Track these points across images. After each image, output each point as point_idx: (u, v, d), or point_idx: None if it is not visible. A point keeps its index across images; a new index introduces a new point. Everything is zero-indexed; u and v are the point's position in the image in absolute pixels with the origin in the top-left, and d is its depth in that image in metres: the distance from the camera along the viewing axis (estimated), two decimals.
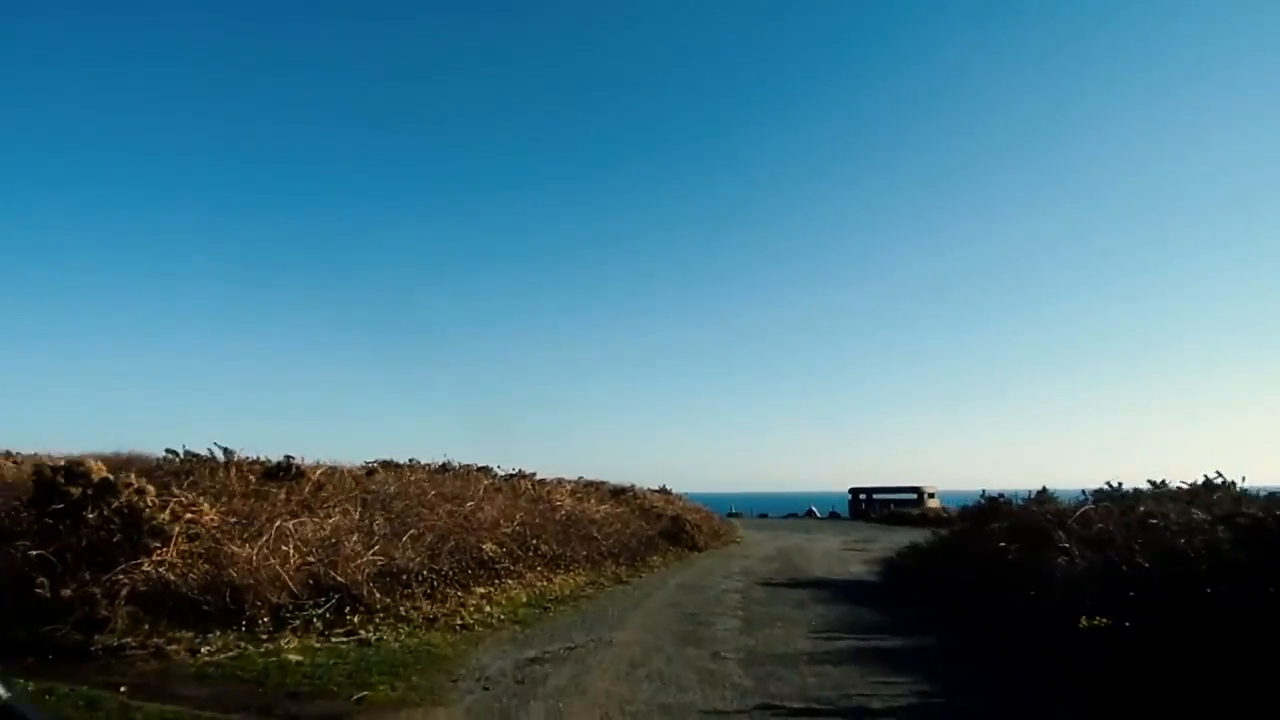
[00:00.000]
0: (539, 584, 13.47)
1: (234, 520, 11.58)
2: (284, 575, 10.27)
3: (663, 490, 30.03)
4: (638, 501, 24.51)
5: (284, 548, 10.99)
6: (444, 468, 22.52)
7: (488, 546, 13.96)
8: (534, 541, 15.07)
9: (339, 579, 10.51)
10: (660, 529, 22.61)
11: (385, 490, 15.09)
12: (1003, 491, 15.75)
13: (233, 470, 13.33)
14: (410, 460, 22.77)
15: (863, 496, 57.30)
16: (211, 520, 11.10)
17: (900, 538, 31.95)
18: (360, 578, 10.79)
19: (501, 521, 15.47)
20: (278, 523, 11.56)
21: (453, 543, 13.26)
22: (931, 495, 54.69)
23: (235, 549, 10.57)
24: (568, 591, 13.43)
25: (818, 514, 55.21)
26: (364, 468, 17.19)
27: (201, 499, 11.46)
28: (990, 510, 15.00)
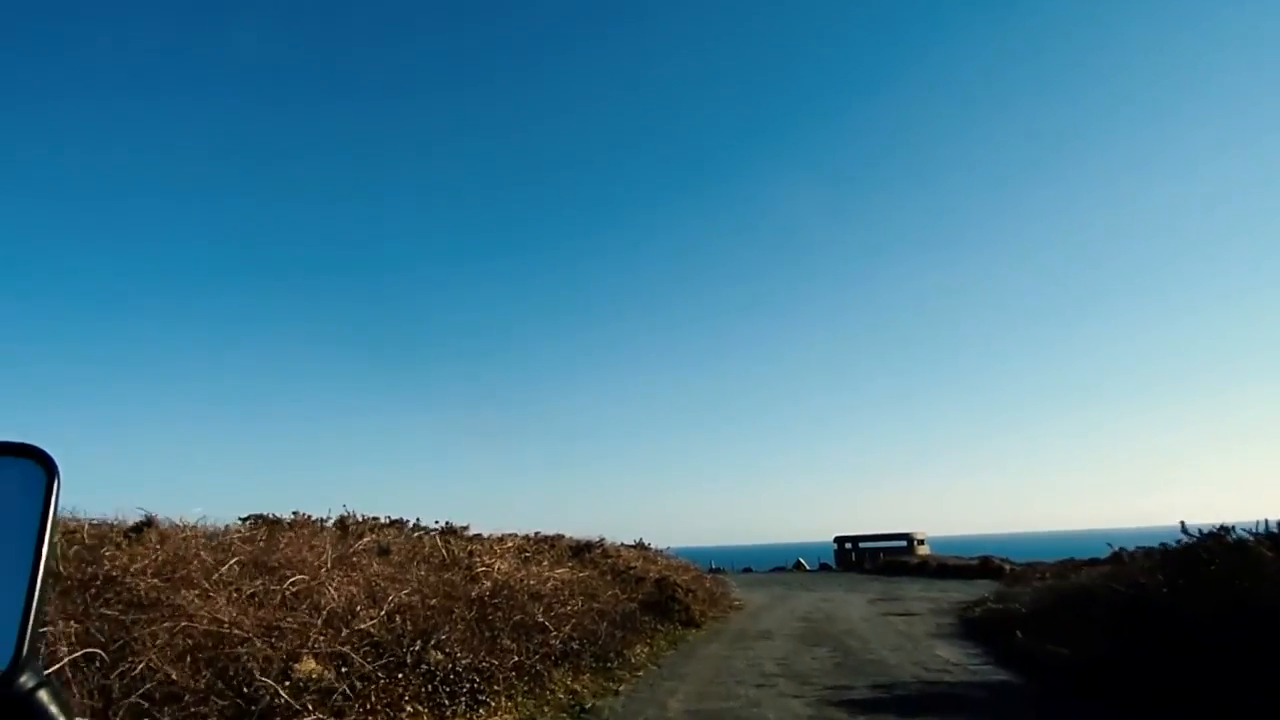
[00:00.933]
0: None
1: None
2: None
3: (640, 546, 22.42)
4: (609, 561, 16.94)
5: None
6: (342, 523, 14.91)
7: (303, 667, 6.43)
8: (414, 647, 7.56)
9: None
10: (642, 599, 15.07)
11: (134, 564, 7.52)
12: (1230, 525, 8.65)
13: None
14: (296, 513, 15.19)
15: (849, 545, 50.02)
16: None
17: (922, 590, 24.55)
18: None
19: (359, 609, 7.96)
20: None
21: (208, 671, 5.79)
22: (921, 542, 47.79)
23: None
24: None
25: (807, 566, 47.54)
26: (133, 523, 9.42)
27: None
28: (1252, 553, 7.88)
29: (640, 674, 9.94)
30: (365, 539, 11.24)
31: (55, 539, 0.98)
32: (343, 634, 7.38)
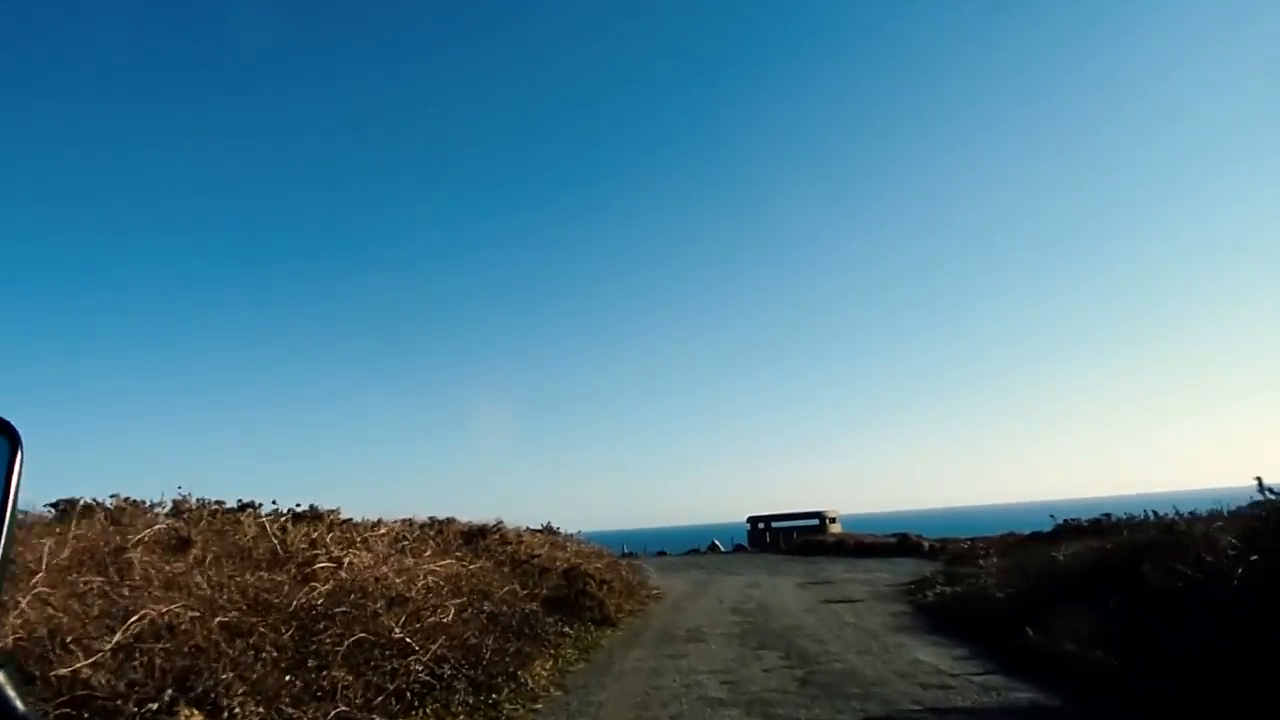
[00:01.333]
0: None
1: None
2: None
3: (547, 530, 19.48)
4: (507, 549, 13.96)
5: None
6: (176, 508, 11.40)
7: None
8: (159, 699, 4.51)
9: None
10: (547, 594, 12.22)
11: None
12: None
13: None
14: (115, 497, 11.62)
15: (763, 525, 48.62)
16: None
17: (848, 571, 22.63)
18: None
19: (74, 640, 4.79)
20: None
21: None
22: (833, 520, 47.15)
23: None
24: None
25: (722, 547, 45.75)
26: None
27: None
28: None
29: (538, 707, 7.08)
30: (157, 528, 7.93)
31: (18, 513, 0.88)
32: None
